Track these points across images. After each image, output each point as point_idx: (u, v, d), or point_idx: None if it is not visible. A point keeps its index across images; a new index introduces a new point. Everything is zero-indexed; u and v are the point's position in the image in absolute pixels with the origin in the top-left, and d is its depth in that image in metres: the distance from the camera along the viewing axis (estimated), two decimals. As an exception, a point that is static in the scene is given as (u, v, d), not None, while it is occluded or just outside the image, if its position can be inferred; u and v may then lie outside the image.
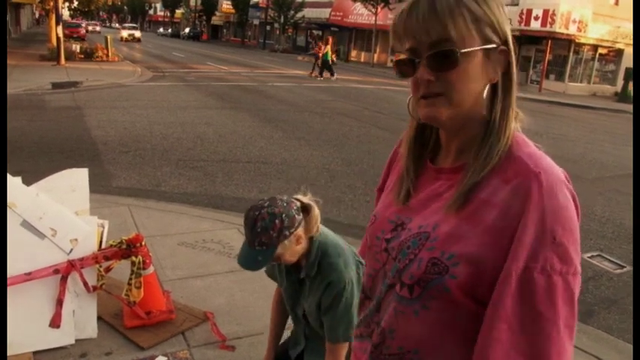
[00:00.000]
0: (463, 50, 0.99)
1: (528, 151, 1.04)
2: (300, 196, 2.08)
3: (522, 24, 27.33)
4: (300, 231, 1.98)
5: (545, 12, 26.26)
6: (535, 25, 26.89)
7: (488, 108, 1.06)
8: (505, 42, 1.04)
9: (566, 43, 27.63)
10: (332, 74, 24.64)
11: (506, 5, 27.83)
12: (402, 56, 1.05)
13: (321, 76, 24.30)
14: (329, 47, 24.49)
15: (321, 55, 24.55)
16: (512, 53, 1.05)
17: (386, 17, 33.74)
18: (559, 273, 0.96)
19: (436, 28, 0.99)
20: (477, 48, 1.01)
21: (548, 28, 26.37)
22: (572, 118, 17.40)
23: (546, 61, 27.67)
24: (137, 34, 51.76)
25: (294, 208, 1.98)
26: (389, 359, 1.13)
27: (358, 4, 33.68)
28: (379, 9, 33.05)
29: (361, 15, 38.51)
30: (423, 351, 1.08)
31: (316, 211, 2.07)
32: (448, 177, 1.10)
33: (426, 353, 1.08)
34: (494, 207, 1.00)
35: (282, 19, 48.89)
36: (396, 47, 1.07)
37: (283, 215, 1.92)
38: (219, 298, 3.75)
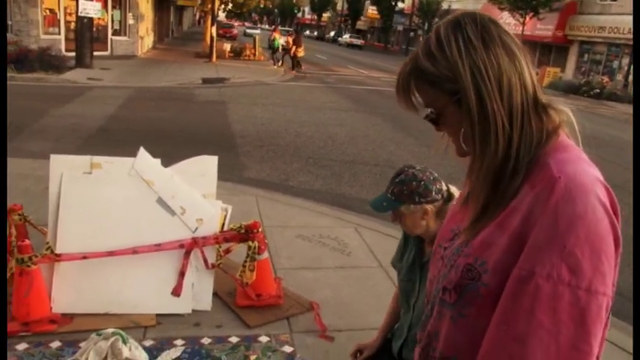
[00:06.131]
0: (430, 114, 1.11)
1: (560, 157, 1.01)
2: (452, 186, 2.11)
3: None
4: (431, 208, 2.01)
5: None
6: None
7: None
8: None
9: None
10: (276, 62, 24.30)
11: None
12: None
13: (276, 63, 24.10)
14: (276, 34, 24.85)
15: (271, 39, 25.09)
16: (468, 91, 1.02)
17: (534, 27, 32.04)
18: (567, 284, 0.91)
19: (409, 103, 1.13)
20: (443, 104, 1.07)
21: None
22: None
23: None
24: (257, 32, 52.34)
25: (437, 187, 2.03)
26: None
27: (505, 14, 32.36)
28: (527, 19, 31.46)
29: (508, 24, 36.31)
30: (460, 359, 1.10)
31: None
32: None
33: None
34: (519, 213, 0.99)
35: (426, 26, 48.51)
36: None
37: (422, 182, 2.00)
38: (327, 290, 3.88)
